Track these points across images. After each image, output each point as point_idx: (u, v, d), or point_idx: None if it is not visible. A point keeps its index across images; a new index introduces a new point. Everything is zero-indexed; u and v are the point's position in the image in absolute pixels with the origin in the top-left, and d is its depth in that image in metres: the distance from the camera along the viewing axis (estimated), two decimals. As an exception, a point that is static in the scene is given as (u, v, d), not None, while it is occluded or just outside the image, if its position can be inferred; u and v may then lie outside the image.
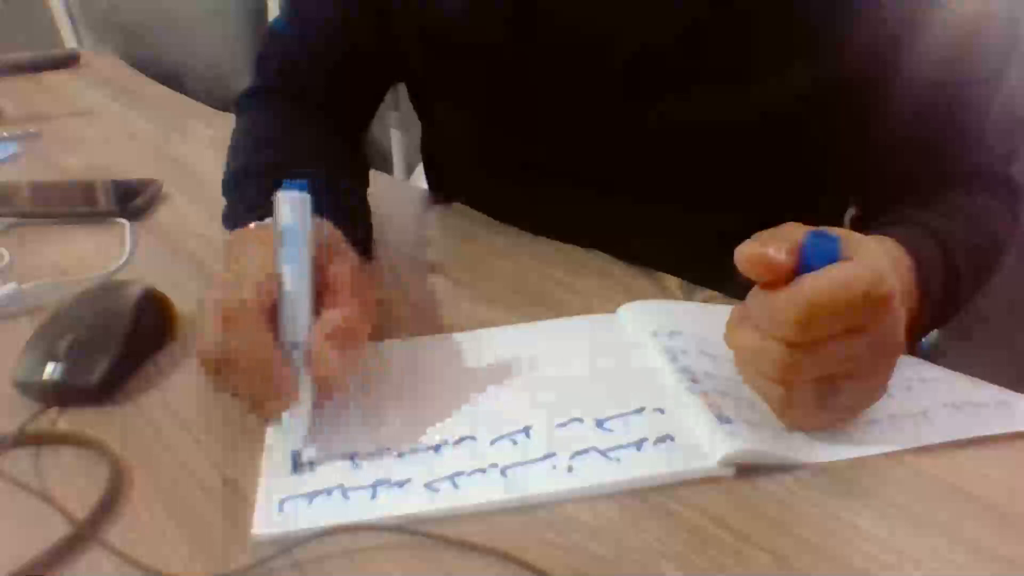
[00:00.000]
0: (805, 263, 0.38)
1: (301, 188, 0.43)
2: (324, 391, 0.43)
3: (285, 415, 0.42)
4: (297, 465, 0.42)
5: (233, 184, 0.63)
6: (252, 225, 0.50)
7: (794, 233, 0.40)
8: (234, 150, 0.68)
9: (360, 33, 0.70)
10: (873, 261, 0.39)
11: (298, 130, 0.70)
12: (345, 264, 0.46)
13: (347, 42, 0.71)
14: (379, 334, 0.52)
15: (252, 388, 0.42)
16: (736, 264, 0.39)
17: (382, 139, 1.38)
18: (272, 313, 0.43)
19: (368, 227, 0.65)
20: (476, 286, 0.60)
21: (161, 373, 0.50)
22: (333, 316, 0.43)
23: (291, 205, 0.43)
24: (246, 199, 0.59)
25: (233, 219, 0.59)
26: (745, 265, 0.39)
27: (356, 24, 0.70)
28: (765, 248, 0.39)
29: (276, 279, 0.43)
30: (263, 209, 0.48)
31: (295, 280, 0.43)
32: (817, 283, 0.38)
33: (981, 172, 0.62)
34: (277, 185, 0.45)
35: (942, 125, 0.60)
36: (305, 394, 0.42)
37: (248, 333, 0.41)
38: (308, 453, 0.42)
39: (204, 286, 0.46)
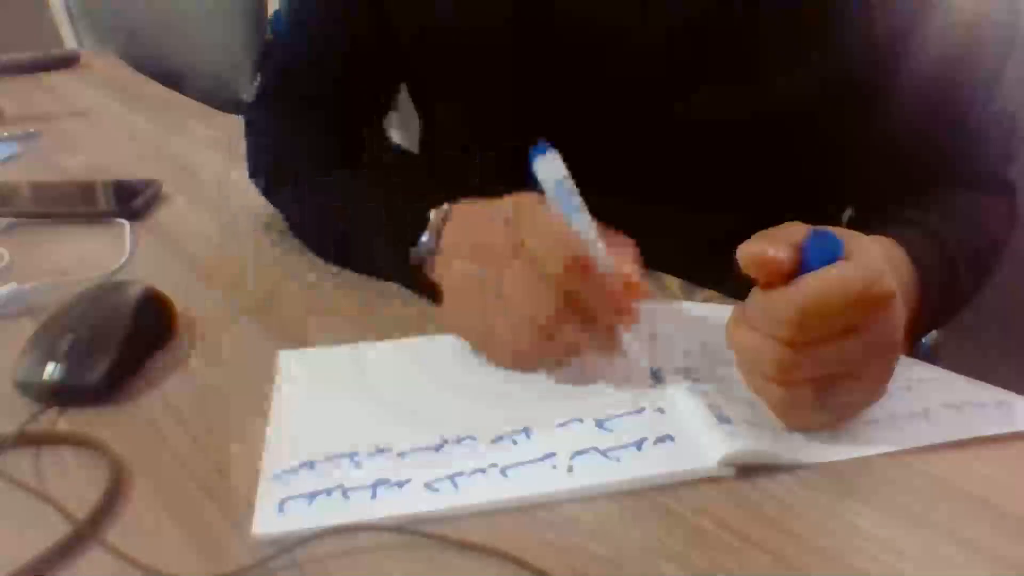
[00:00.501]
0: (806, 263, 0.39)
1: (546, 149, 0.46)
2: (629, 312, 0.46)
3: (628, 340, 0.46)
4: (658, 378, 0.46)
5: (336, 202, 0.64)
6: (479, 203, 0.52)
7: (795, 233, 0.40)
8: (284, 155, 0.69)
9: (360, 33, 0.70)
10: (872, 261, 0.39)
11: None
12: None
13: (348, 42, 0.71)
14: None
15: (603, 326, 0.45)
16: (738, 263, 0.39)
17: (382, 139, 1.38)
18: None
19: None
20: (476, 286, 0.60)
21: (161, 373, 0.50)
22: (621, 249, 0.47)
23: (556, 162, 0.46)
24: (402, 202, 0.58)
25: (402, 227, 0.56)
26: (747, 264, 0.39)
27: (356, 24, 0.70)
28: (767, 248, 0.39)
29: (575, 230, 0.45)
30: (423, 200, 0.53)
31: (588, 226, 0.45)
32: (815, 283, 0.38)
33: (979, 173, 0.62)
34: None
35: (941, 126, 0.60)
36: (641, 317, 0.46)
37: (590, 279, 0.44)
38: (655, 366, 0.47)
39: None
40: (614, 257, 0.46)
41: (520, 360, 0.48)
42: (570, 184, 0.46)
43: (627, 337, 0.46)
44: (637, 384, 0.46)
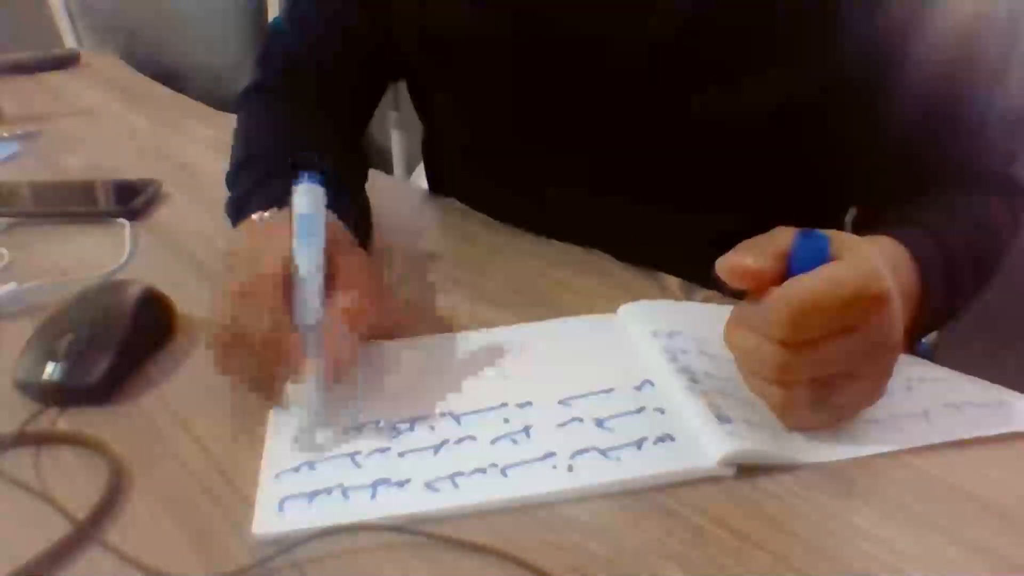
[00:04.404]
0: (795, 265, 0.39)
1: (317, 181, 0.45)
2: (334, 372, 0.44)
3: (290, 393, 0.43)
4: (300, 443, 0.42)
5: (237, 176, 0.64)
6: (267, 213, 0.51)
7: (782, 237, 0.40)
8: (237, 143, 0.69)
9: (360, 32, 0.71)
10: (865, 261, 0.39)
11: (299, 125, 0.70)
12: (352, 254, 0.48)
13: (347, 41, 0.71)
14: (390, 331, 0.53)
15: (262, 363, 0.43)
16: (719, 276, 0.40)
17: (382, 139, 1.38)
18: (287, 294, 0.44)
19: (368, 222, 0.65)
20: (476, 286, 0.60)
21: (161, 373, 0.50)
22: (344, 299, 0.45)
23: (309, 196, 0.44)
24: (255, 190, 0.59)
25: (238, 209, 0.59)
26: (726, 276, 0.40)
27: (356, 23, 0.70)
28: (743, 258, 0.39)
29: (292, 263, 0.44)
30: (272, 199, 0.50)
31: (310, 265, 0.44)
32: (806, 283, 0.38)
33: (982, 172, 0.62)
34: (281, 177, 0.46)
35: (943, 125, 0.60)
36: (312, 375, 0.43)
37: (262, 308, 0.42)
38: (320, 436, 0.43)
39: (214, 278, 0.46)
40: (328, 309, 0.44)
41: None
42: (316, 223, 0.44)
43: (293, 390, 0.43)
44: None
